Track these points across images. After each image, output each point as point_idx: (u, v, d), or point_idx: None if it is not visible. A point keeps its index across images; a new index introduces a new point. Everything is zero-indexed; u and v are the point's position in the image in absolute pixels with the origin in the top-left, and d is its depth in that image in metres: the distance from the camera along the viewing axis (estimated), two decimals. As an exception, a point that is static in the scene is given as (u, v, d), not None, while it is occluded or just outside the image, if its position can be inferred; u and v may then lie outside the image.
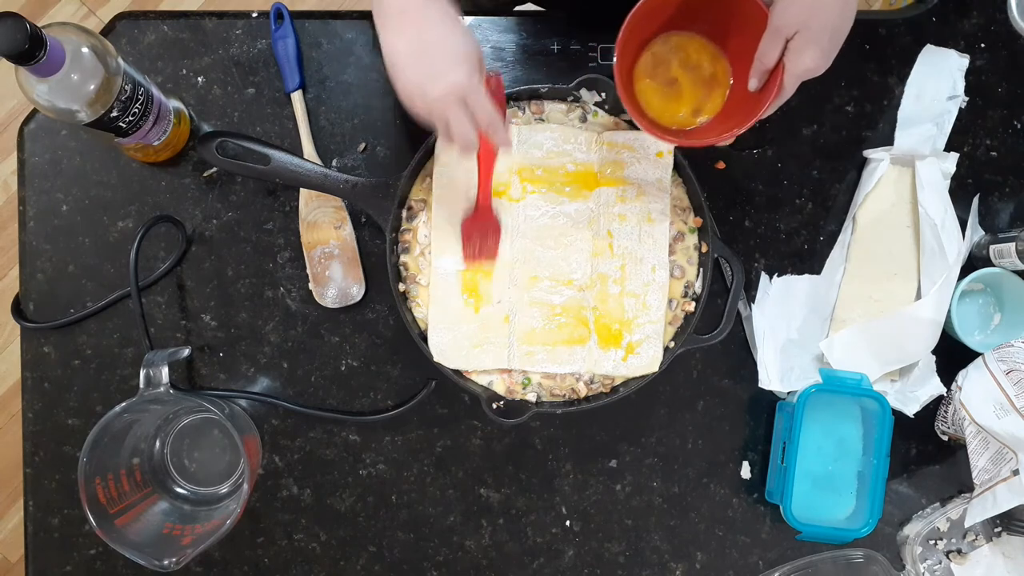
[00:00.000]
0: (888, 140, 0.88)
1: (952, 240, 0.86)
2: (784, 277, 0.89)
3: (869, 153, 0.89)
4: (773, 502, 0.87)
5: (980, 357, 0.82)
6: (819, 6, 0.67)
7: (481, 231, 0.81)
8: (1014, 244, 0.82)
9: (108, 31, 0.89)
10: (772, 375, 0.87)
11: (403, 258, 0.83)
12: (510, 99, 0.83)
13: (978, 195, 0.89)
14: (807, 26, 0.67)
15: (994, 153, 0.90)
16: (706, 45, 0.79)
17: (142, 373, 0.78)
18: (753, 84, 0.74)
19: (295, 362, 0.89)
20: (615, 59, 0.72)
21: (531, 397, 0.83)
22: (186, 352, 0.87)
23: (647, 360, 0.81)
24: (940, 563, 0.88)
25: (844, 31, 0.69)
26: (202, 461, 0.89)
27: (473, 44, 0.69)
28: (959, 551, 0.89)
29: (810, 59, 0.68)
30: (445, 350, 0.81)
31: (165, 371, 0.78)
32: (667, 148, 0.82)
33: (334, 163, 0.89)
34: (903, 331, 0.85)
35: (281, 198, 0.89)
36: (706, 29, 0.78)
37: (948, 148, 0.88)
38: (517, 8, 0.97)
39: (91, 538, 0.88)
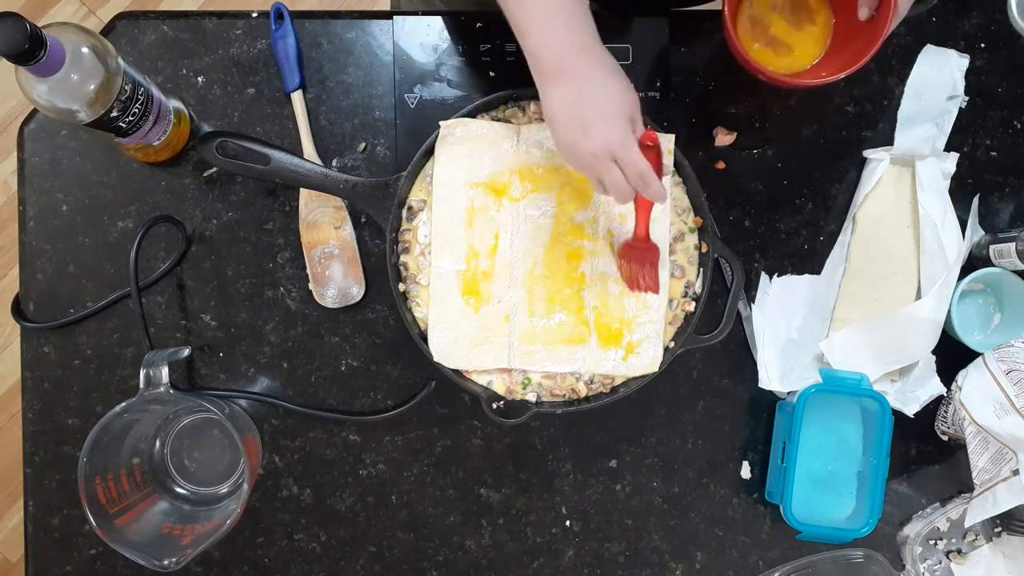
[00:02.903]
0: (888, 140, 0.88)
1: (952, 240, 0.86)
2: (784, 277, 0.89)
3: (869, 153, 0.89)
4: (773, 502, 0.87)
5: (980, 357, 0.82)
6: None
7: (640, 259, 0.80)
8: (1014, 244, 0.82)
9: (108, 31, 0.89)
10: (772, 375, 0.87)
11: (403, 258, 0.83)
12: (512, 99, 0.83)
13: (978, 195, 0.89)
14: None
15: (994, 153, 0.90)
16: None
17: (142, 373, 0.78)
18: (863, 13, 0.76)
19: (295, 362, 0.89)
20: (724, 8, 0.76)
21: (531, 397, 0.83)
22: (186, 352, 0.87)
23: (647, 360, 0.81)
24: (940, 563, 0.88)
25: None
26: (202, 461, 0.89)
27: (628, 94, 0.69)
28: (959, 551, 0.89)
29: None
30: (445, 350, 0.81)
31: (165, 371, 0.78)
32: (667, 147, 0.82)
33: (334, 163, 0.89)
34: (903, 331, 0.85)
35: (281, 198, 0.89)
36: None
37: (948, 148, 0.88)
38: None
39: (91, 538, 0.88)
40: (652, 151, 0.72)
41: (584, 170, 0.71)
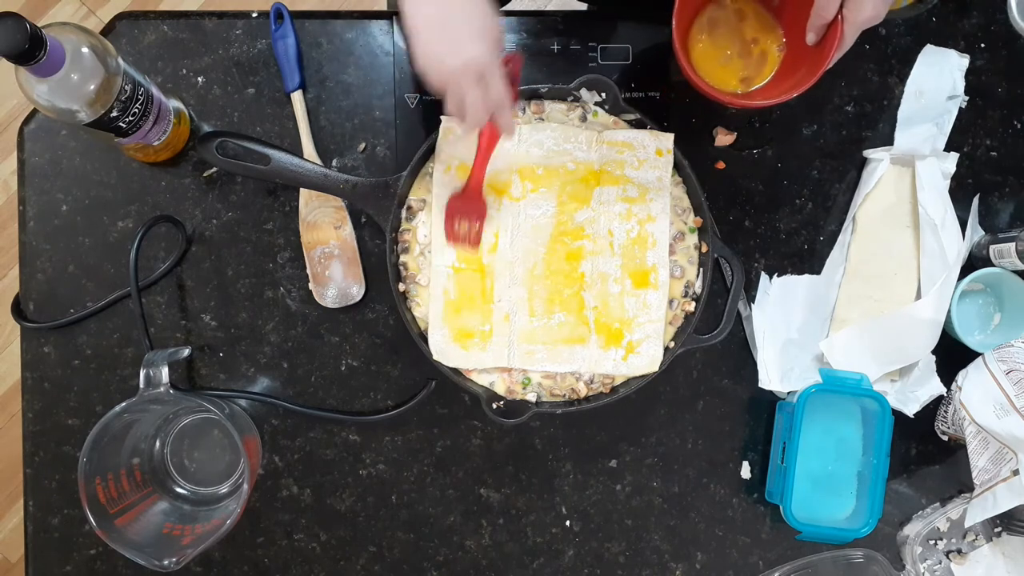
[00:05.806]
0: (888, 140, 0.88)
1: (952, 240, 0.86)
2: (784, 277, 0.89)
3: (869, 153, 0.89)
4: (773, 502, 0.87)
5: (980, 357, 0.82)
6: None
7: (466, 213, 0.80)
8: (1014, 244, 0.82)
9: (108, 31, 0.89)
10: (772, 375, 0.87)
11: (403, 258, 0.83)
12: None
13: (978, 195, 0.89)
14: None
15: (994, 153, 0.90)
16: (758, 8, 0.82)
17: (142, 373, 0.78)
18: (811, 38, 0.76)
19: (295, 362, 0.89)
20: (673, 24, 0.75)
21: (531, 397, 0.83)
22: (186, 352, 0.87)
23: (647, 360, 0.81)
24: (940, 563, 0.88)
25: None
26: (202, 461, 0.89)
27: (495, 20, 0.68)
28: (959, 551, 0.89)
29: (871, 7, 0.70)
30: (445, 349, 0.81)
31: (165, 371, 0.78)
32: (667, 147, 0.82)
33: (334, 163, 0.89)
34: (903, 331, 0.85)
35: (281, 198, 0.89)
36: None
37: (948, 148, 0.88)
38: (517, 8, 0.97)
39: (91, 538, 0.88)
40: (512, 80, 0.71)
41: (444, 86, 0.68)
